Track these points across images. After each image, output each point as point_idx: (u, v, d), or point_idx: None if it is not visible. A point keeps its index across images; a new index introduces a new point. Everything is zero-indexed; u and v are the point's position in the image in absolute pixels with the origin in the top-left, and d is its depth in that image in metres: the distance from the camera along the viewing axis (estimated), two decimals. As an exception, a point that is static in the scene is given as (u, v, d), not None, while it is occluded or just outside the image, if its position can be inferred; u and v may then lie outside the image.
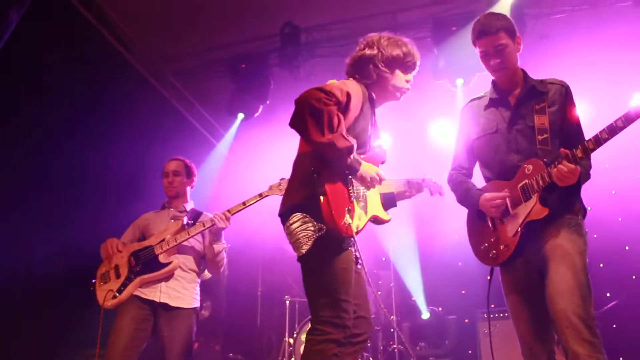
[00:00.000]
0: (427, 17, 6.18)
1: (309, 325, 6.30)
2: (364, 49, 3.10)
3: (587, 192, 3.23)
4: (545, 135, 3.05)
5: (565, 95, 3.16)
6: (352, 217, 2.73)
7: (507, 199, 3.10)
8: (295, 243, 2.77)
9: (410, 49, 3.12)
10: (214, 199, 7.00)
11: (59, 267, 4.97)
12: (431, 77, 6.33)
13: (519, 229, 3.05)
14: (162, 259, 4.05)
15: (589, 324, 2.76)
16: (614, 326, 5.92)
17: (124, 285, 3.98)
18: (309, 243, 2.71)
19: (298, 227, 2.74)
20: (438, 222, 6.43)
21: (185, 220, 4.23)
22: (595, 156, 3.02)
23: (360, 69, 3.09)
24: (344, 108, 2.79)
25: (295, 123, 2.69)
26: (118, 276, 4.04)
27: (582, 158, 2.85)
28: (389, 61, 3.06)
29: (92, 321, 3.95)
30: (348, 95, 2.80)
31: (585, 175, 3.03)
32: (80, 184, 5.32)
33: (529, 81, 3.23)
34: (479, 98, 3.41)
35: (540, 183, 2.97)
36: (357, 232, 2.77)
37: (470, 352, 6.62)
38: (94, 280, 4.13)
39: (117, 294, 3.95)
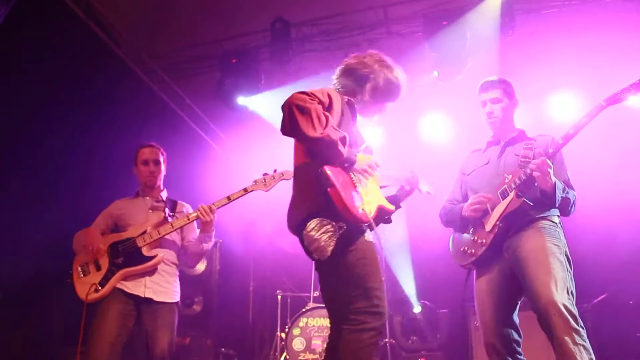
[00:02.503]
0: (418, 11, 6.18)
1: (301, 320, 6.31)
2: (364, 67, 3.16)
3: (577, 185, 3.32)
4: (527, 159, 3.37)
5: (551, 142, 3.46)
6: (363, 204, 2.81)
7: (488, 202, 3.38)
8: (318, 248, 2.75)
9: (403, 85, 3.21)
10: (203, 193, 6.98)
11: (36, 263, 4.91)
12: (422, 71, 6.34)
13: (497, 223, 3.30)
14: (145, 251, 3.96)
15: (574, 314, 2.96)
16: (604, 318, 5.96)
17: (106, 279, 3.86)
18: (333, 243, 2.74)
19: (318, 231, 2.75)
20: (429, 216, 6.44)
21: (167, 212, 4.16)
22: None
23: (354, 86, 3.15)
24: (328, 108, 2.87)
25: (287, 126, 2.76)
26: (98, 268, 3.91)
27: (554, 154, 3.25)
28: (384, 94, 3.16)
29: (70, 315, 3.86)
30: (329, 97, 2.91)
31: (563, 194, 3.24)
32: (65, 176, 5.27)
33: (521, 130, 3.65)
34: (479, 149, 3.82)
35: (517, 181, 3.26)
36: (372, 218, 2.85)
37: (461, 345, 6.65)
38: (70, 272, 3.99)
39: (100, 287, 3.83)
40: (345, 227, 2.76)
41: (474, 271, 3.51)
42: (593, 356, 2.91)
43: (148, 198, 4.29)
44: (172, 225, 4.03)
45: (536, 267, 3.09)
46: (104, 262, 3.93)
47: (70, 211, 5.15)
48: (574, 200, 3.34)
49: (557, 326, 2.92)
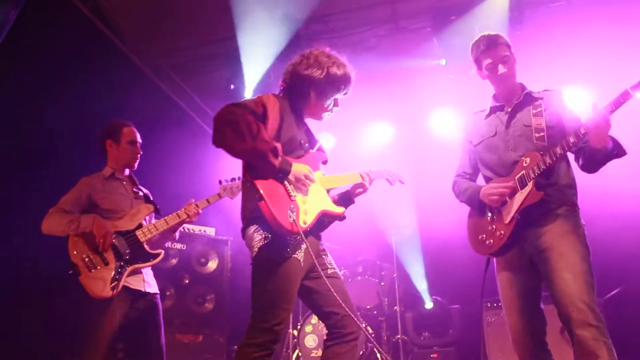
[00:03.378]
0: (426, 7, 6.15)
1: (313, 317, 6.34)
2: (307, 67, 3.17)
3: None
4: (541, 134, 3.21)
5: (559, 98, 3.33)
6: (297, 215, 2.85)
7: (508, 194, 3.21)
8: (251, 253, 2.94)
9: (350, 75, 3.21)
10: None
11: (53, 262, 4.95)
12: (431, 67, 6.33)
13: (515, 215, 3.16)
14: (147, 247, 3.84)
15: (594, 308, 2.85)
16: (619, 313, 5.91)
17: (120, 274, 3.65)
18: (255, 250, 2.89)
19: (250, 238, 2.93)
20: (440, 212, 6.44)
21: (155, 204, 4.08)
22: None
23: (298, 88, 3.19)
24: (262, 117, 2.91)
25: (217, 139, 2.79)
26: (106, 263, 3.66)
27: (576, 144, 3.00)
28: (327, 86, 3.15)
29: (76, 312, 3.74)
30: (263, 105, 2.95)
31: (618, 146, 3.04)
32: (75, 176, 5.30)
33: (525, 90, 3.43)
34: (481, 111, 3.62)
35: (537, 170, 3.09)
36: (305, 228, 2.89)
37: (474, 341, 6.63)
38: (73, 263, 3.66)
39: (117, 285, 3.62)
40: (270, 237, 2.86)
41: (494, 260, 3.40)
42: (614, 353, 2.80)
43: (126, 183, 4.08)
44: (166, 222, 3.95)
45: (557, 260, 2.99)
46: (110, 256, 3.70)
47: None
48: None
49: (576, 322, 2.83)
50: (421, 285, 7.15)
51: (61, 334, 4.52)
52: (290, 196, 2.88)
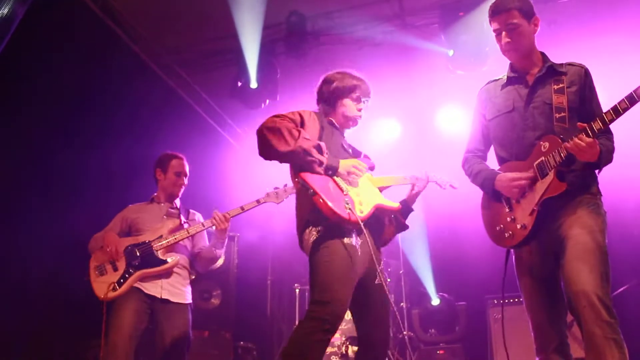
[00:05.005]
0: (434, 2, 6.13)
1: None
2: (321, 85, 3.42)
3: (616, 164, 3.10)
4: (562, 114, 2.99)
5: (584, 77, 3.11)
6: (353, 206, 2.90)
7: (527, 185, 3.00)
8: (309, 255, 3.01)
9: (360, 82, 3.40)
10: (221, 189, 7.01)
11: (59, 259, 5.01)
12: (439, 63, 6.31)
13: (536, 207, 2.96)
14: (161, 255, 4.12)
15: (607, 304, 2.71)
16: (625, 311, 5.87)
17: (124, 279, 4.02)
18: (310, 246, 2.98)
19: (307, 241, 3.02)
20: (447, 209, 6.43)
21: (182, 219, 4.33)
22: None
23: (322, 102, 3.41)
24: (300, 125, 3.06)
25: (262, 148, 2.97)
26: (115, 269, 4.07)
27: (601, 130, 2.76)
28: (340, 91, 3.34)
29: (92, 312, 4.02)
30: (300, 116, 3.11)
31: (606, 156, 2.94)
32: (84, 174, 5.33)
33: (547, 62, 3.18)
34: (496, 80, 3.37)
35: (557, 159, 2.88)
36: (364, 217, 2.94)
37: (480, 337, 6.63)
38: (88, 271, 4.15)
39: (117, 287, 3.99)
40: (322, 229, 2.95)
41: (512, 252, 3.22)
42: (626, 350, 2.68)
43: (163, 204, 4.44)
44: (187, 231, 4.19)
45: (573, 249, 2.82)
46: (121, 264, 4.08)
47: (87, 209, 5.21)
48: (613, 147, 3.01)
49: (587, 318, 2.69)
50: (428, 282, 7.14)
51: (65, 334, 4.62)
52: (342, 190, 2.96)
